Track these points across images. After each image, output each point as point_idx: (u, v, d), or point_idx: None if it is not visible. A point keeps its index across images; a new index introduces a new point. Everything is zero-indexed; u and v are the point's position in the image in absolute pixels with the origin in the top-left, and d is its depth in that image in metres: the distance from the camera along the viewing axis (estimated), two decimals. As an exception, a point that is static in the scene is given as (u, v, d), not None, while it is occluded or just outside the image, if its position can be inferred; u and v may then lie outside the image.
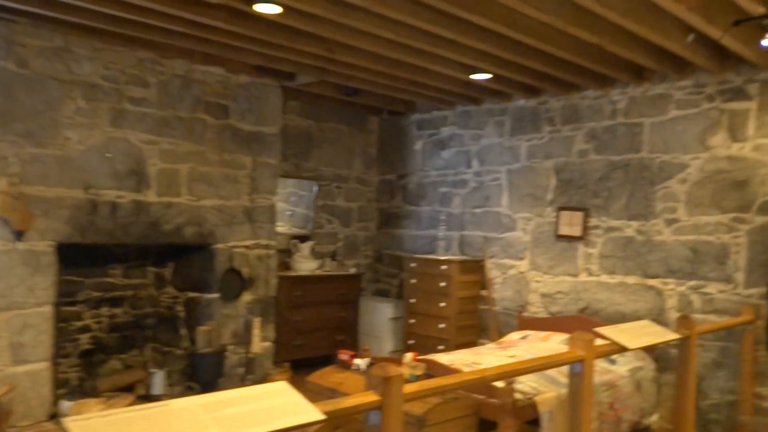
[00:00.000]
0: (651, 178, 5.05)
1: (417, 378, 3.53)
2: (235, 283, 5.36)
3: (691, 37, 3.85)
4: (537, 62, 4.58)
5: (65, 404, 4.38)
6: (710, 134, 4.75)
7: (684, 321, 3.50)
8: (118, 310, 5.18)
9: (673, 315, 4.82)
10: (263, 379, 5.38)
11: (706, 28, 3.61)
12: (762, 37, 3.57)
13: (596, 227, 5.37)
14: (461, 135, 6.48)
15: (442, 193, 6.64)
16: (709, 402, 4.62)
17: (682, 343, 3.50)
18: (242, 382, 5.31)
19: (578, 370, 2.80)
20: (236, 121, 5.36)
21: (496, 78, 5.22)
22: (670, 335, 3.40)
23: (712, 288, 4.69)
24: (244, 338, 5.39)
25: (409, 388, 2.07)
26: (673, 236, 4.91)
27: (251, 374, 5.43)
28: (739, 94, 4.61)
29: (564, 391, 3.84)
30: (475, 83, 5.48)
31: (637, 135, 5.16)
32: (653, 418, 4.63)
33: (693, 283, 4.79)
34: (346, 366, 4.13)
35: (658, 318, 4.84)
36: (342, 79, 5.55)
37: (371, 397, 1.93)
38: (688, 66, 4.65)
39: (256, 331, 5.39)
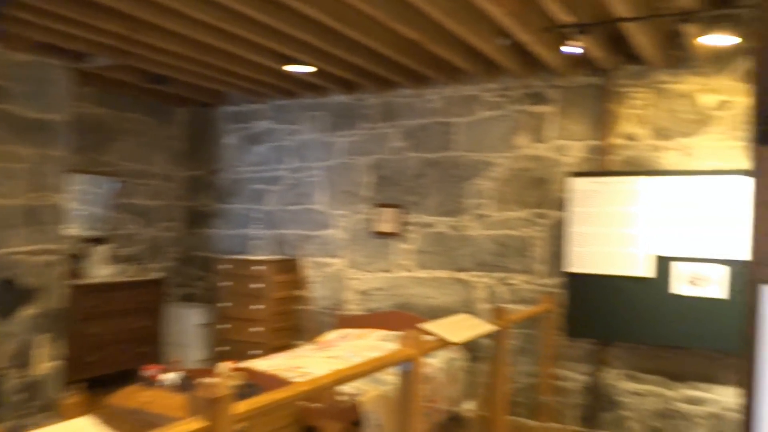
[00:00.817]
0: (462, 176, 5.26)
1: (239, 389, 3.25)
2: (13, 295, 4.59)
3: (505, 41, 4.02)
4: (358, 57, 4.51)
5: None
6: (515, 135, 5.06)
7: (498, 312, 3.65)
8: None
9: (481, 306, 5.07)
10: (50, 405, 4.69)
11: (519, 33, 3.80)
12: (562, 44, 3.84)
13: (412, 223, 5.47)
14: (276, 130, 6.25)
15: (256, 190, 6.34)
16: (515, 386, 4.92)
17: (498, 333, 3.64)
18: (24, 410, 4.57)
19: (409, 369, 2.75)
20: (15, 106, 4.58)
21: (315, 71, 5.07)
22: (489, 327, 3.52)
23: (516, 279, 5.01)
24: (25, 359, 4.64)
25: (241, 407, 1.83)
26: (482, 231, 5.16)
27: (36, 400, 4.69)
28: (541, 98, 4.97)
29: (386, 388, 3.82)
30: (291, 76, 5.29)
31: (449, 134, 5.34)
32: (465, 406, 4.82)
33: (500, 275, 5.08)
34: (152, 382, 3.72)
35: (467, 309, 5.05)
36: (146, 64, 5.02)
37: (198, 424, 1.67)
38: (497, 69, 4.90)
39: (40, 350, 4.68)
